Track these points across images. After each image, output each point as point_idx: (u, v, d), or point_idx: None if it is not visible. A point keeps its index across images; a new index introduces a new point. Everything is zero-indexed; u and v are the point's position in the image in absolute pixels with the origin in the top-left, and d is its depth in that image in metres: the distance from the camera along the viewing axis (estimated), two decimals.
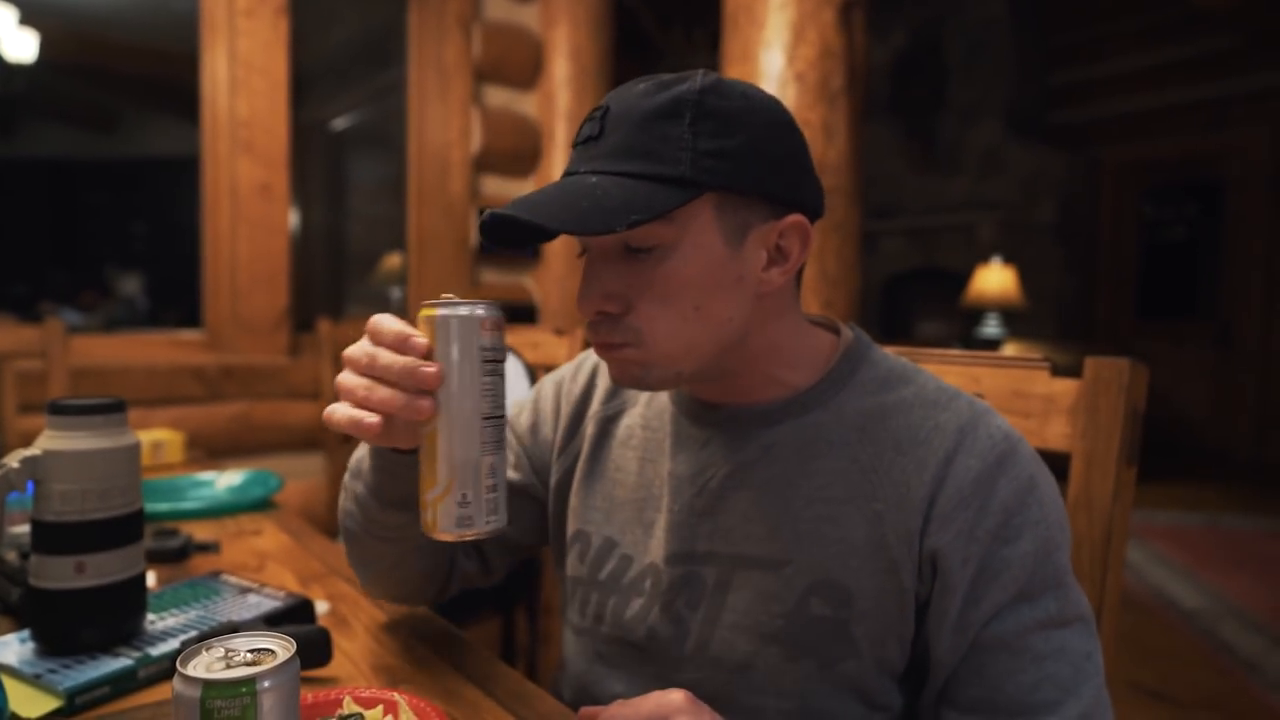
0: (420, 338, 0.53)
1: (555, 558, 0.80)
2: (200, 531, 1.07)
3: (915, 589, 0.60)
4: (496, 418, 0.54)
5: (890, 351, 0.71)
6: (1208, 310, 5.79)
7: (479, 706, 0.62)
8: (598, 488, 0.74)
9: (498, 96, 2.93)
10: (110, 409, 0.68)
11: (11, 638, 0.69)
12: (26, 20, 3.50)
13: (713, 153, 0.56)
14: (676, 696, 0.52)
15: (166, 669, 0.66)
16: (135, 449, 0.69)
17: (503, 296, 2.98)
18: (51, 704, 0.59)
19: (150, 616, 0.73)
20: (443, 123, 2.79)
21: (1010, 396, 0.77)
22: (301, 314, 2.55)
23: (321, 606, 0.81)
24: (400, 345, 0.53)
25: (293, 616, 0.76)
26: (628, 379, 0.63)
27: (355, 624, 0.78)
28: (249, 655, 0.43)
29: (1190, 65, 5.62)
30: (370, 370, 0.54)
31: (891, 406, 0.64)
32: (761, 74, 1.97)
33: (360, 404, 0.54)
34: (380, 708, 0.55)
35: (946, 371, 0.79)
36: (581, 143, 0.61)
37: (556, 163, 2.94)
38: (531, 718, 0.61)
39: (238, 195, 2.33)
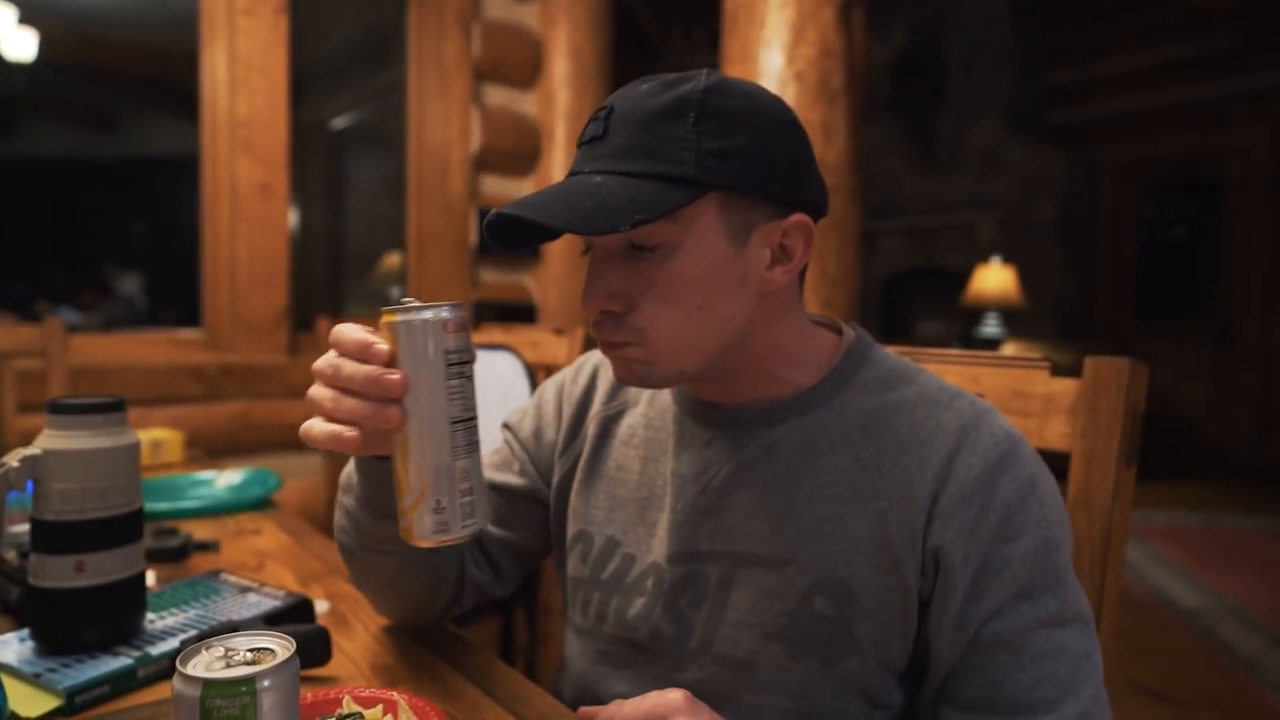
0: (381, 344, 0.52)
1: (556, 558, 0.80)
2: (200, 531, 1.07)
3: (918, 587, 0.60)
4: (467, 420, 0.53)
5: (891, 351, 0.71)
6: (1208, 310, 5.79)
7: (478, 706, 0.62)
8: (599, 488, 0.74)
9: (497, 96, 2.93)
10: (110, 408, 0.68)
11: (11, 637, 0.69)
12: (26, 19, 3.50)
13: (717, 152, 0.57)
14: (675, 696, 0.52)
15: (166, 668, 0.66)
16: (135, 448, 0.69)
17: (502, 296, 2.98)
18: (51, 703, 0.59)
19: (150, 616, 0.73)
20: (442, 122, 2.78)
21: (1010, 396, 0.77)
22: (301, 313, 2.55)
23: (321, 606, 0.81)
24: (362, 354, 0.53)
25: (292, 616, 0.76)
26: (631, 377, 0.63)
27: (355, 623, 0.78)
28: (249, 654, 0.43)
29: (1190, 65, 5.62)
30: (335, 381, 0.53)
31: (894, 405, 0.64)
32: (761, 73, 1.97)
33: (329, 416, 0.54)
34: (380, 707, 0.55)
35: (946, 371, 0.79)
36: (586, 142, 0.61)
37: (556, 162, 2.94)
38: (531, 717, 0.61)
39: (237, 194, 2.33)
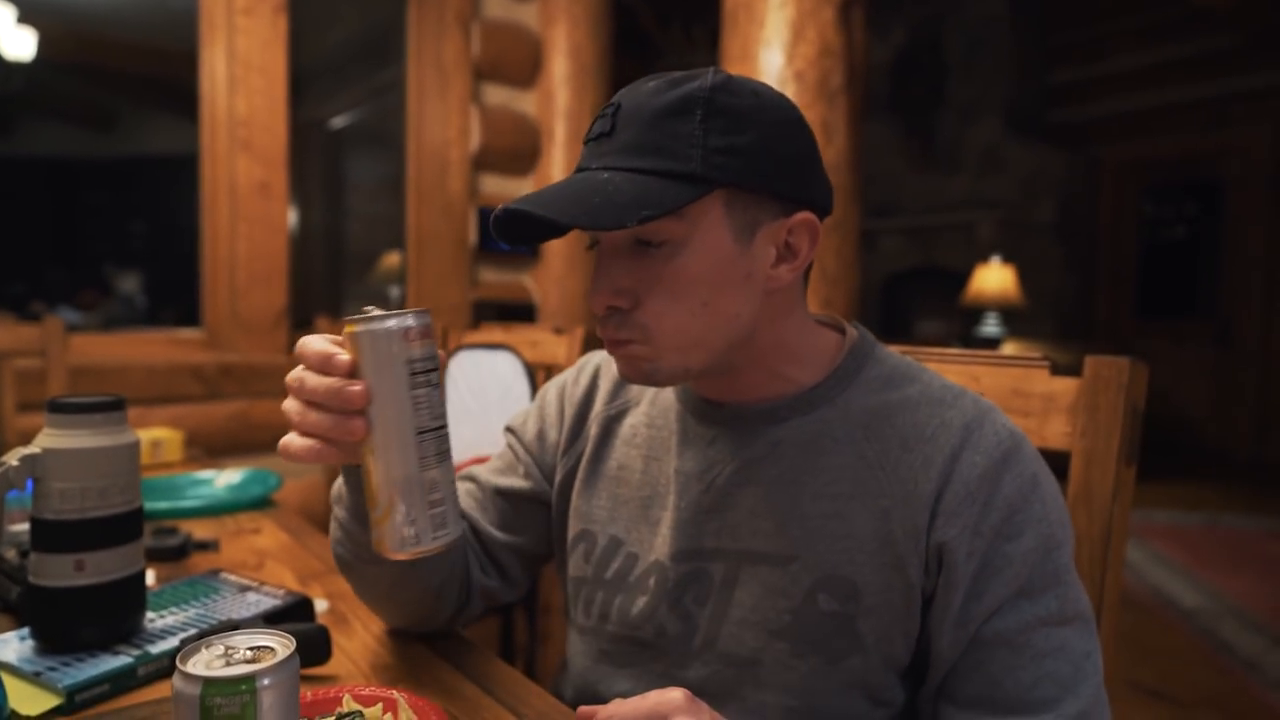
0: (342, 355, 0.52)
1: (557, 558, 0.80)
2: (199, 530, 1.07)
3: (921, 584, 0.60)
4: (435, 429, 0.53)
5: (893, 350, 0.72)
6: (1207, 309, 5.79)
7: (478, 704, 0.62)
8: (602, 487, 0.74)
9: (497, 95, 2.93)
10: (109, 407, 0.68)
11: (11, 635, 0.69)
12: (25, 18, 3.50)
13: (723, 149, 0.57)
14: (675, 695, 0.52)
15: (166, 667, 0.66)
16: (134, 447, 0.69)
17: (502, 295, 2.98)
18: (51, 702, 0.59)
19: (150, 614, 0.73)
20: (442, 121, 2.78)
21: (1010, 395, 0.77)
22: (300, 312, 2.55)
23: (321, 605, 0.81)
24: (324, 365, 0.52)
25: (292, 614, 0.76)
26: (636, 375, 0.63)
27: (355, 622, 0.78)
28: (248, 653, 0.43)
29: (1190, 64, 5.62)
30: (300, 393, 0.53)
31: (897, 404, 0.64)
32: (761, 72, 1.97)
33: (298, 429, 0.53)
34: (380, 705, 0.55)
35: (946, 370, 0.79)
36: (593, 139, 0.61)
37: (555, 161, 2.94)
38: (530, 715, 0.61)
39: (236, 194, 2.33)
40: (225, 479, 1.32)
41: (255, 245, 2.36)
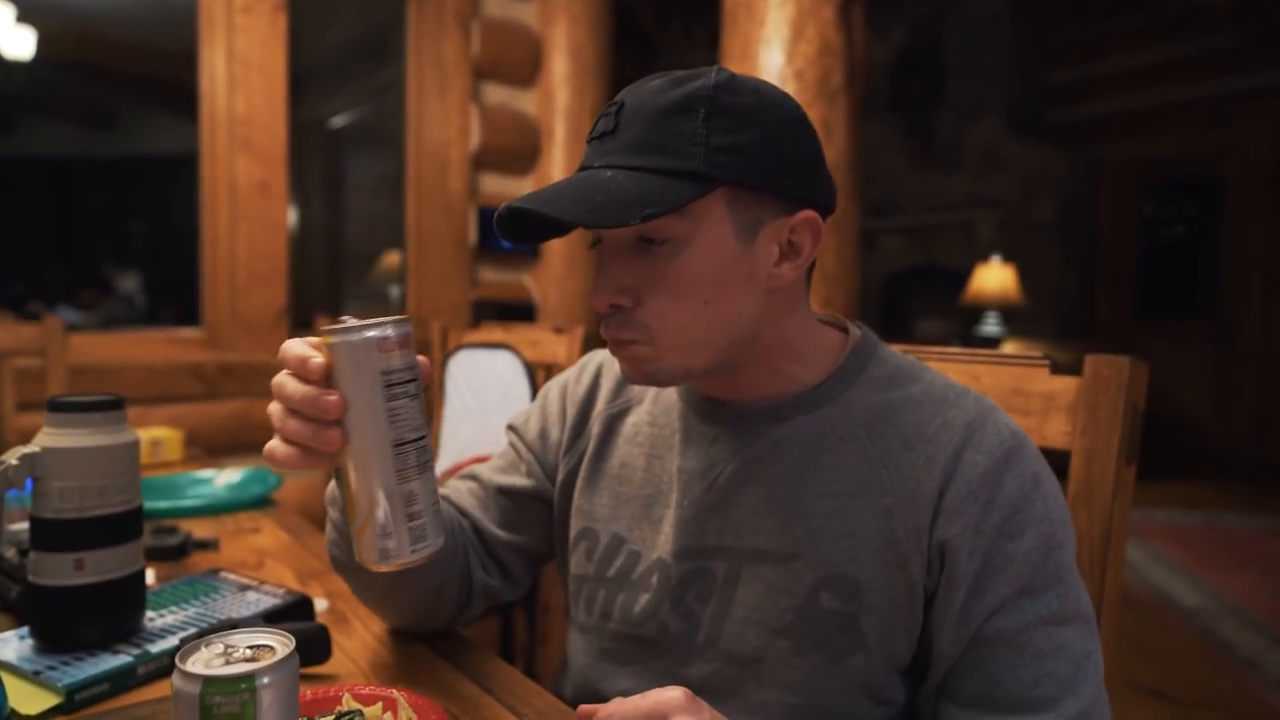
0: (317, 359, 0.51)
1: (558, 557, 0.80)
2: (199, 529, 1.07)
3: (923, 583, 0.60)
4: (413, 441, 0.51)
5: (895, 350, 0.72)
6: (1208, 308, 5.79)
7: (477, 703, 0.62)
8: (604, 485, 0.74)
9: (496, 94, 2.93)
10: (109, 406, 0.68)
11: (11, 635, 0.69)
12: (24, 17, 3.50)
13: (726, 148, 0.57)
14: (675, 694, 0.52)
15: (166, 666, 0.66)
16: (134, 446, 0.69)
17: (502, 295, 2.98)
18: (50, 701, 0.59)
19: (149, 614, 0.73)
20: (441, 120, 2.78)
21: (1010, 394, 0.77)
22: (300, 312, 2.55)
23: (320, 604, 0.81)
24: (300, 370, 0.51)
25: (292, 614, 0.76)
26: (639, 375, 0.63)
27: (354, 621, 0.78)
28: (248, 651, 0.43)
29: (1190, 63, 5.62)
30: (280, 398, 0.53)
31: (900, 403, 0.64)
32: (761, 71, 1.97)
33: (279, 435, 0.53)
34: (379, 704, 0.55)
35: (947, 370, 0.79)
36: (596, 138, 0.61)
37: (555, 160, 2.94)
38: (530, 714, 0.61)
39: (236, 193, 2.33)
40: (225, 478, 1.32)
41: (255, 244, 2.36)
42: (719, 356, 0.62)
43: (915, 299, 6.61)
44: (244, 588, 0.80)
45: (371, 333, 0.50)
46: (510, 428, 0.83)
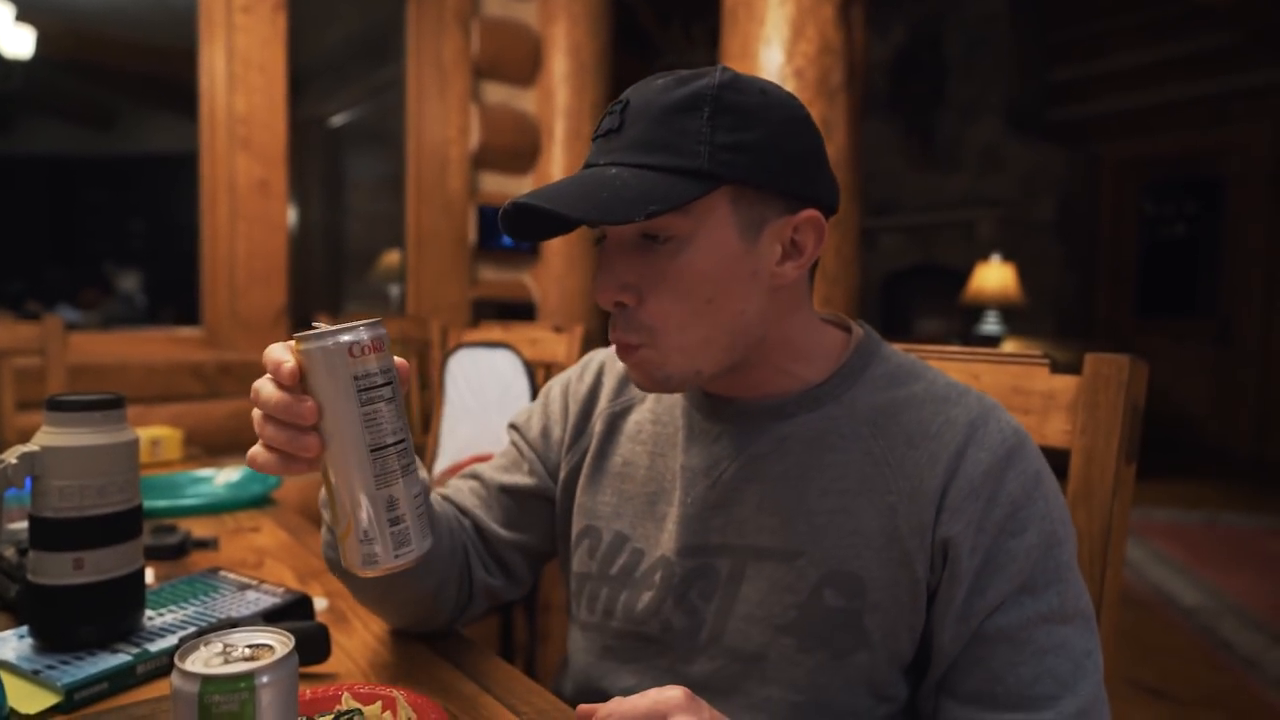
0: (289, 363, 0.50)
1: (560, 555, 0.80)
2: (199, 528, 1.07)
3: (927, 580, 0.61)
4: (392, 445, 0.51)
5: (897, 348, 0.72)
6: (1208, 307, 5.79)
7: (477, 702, 0.62)
8: (606, 483, 0.74)
9: (496, 93, 2.93)
10: (109, 405, 0.68)
11: (10, 634, 0.69)
12: (23, 16, 3.50)
13: (730, 146, 0.57)
14: (675, 693, 0.52)
15: (165, 665, 0.66)
16: (134, 445, 0.69)
17: (502, 294, 2.98)
18: (50, 700, 0.59)
19: (149, 613, 0.73)
20: (441, 119, 2.78)
21: (1010, 393, 0.77)
22: (300, 311, 2.55)
23: (320, 603, 0.81)
24: (275, 374, 0.51)
25: (291, 613, 0.75)
26: (649, 382, 0.63)
27: (354, 620, 0.78)
28: (247, 651, 0.43)
29: (1190, 61, 5.62)
30: (258, 403, 0.52)
31: (903, 401, 0.64)
32: (761, 70, 1.97)
33: (260, 439, 0.53)
34: (379, 704, 0.55)
35: (947, 368, 0.79)
36: (601, 135, 0.61)
37: (555, 159, 2.93)
38: (530, 713, 0.61)
39: (236, 192, 2.33)
40: (224, 477, 1.32)
41: (255, 243, 2.36)
42: (724, 357, 0.62)
43: (915, 298, 6.62)
44: (243, 587, 0.80)
45: (344, 337, 0.49)
46: (512, 426, 0.83)
